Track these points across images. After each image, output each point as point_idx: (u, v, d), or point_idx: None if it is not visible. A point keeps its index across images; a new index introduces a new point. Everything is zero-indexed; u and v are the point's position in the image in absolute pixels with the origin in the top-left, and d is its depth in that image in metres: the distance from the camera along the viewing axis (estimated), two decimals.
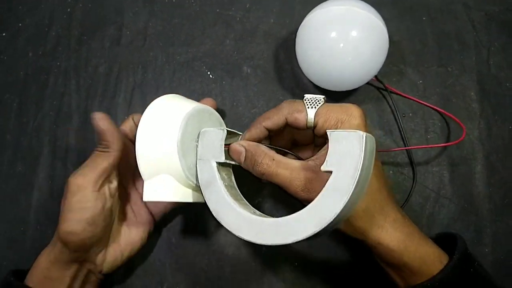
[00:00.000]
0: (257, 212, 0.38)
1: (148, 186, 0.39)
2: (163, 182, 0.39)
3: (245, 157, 0.38)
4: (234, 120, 0.49)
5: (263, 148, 0.38)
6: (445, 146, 0.48)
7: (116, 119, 0.50)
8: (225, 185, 0.38)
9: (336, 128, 0.36)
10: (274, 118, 0.38)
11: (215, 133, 0.39)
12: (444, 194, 0.47)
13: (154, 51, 0.52)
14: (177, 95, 0.43)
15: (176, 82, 0.51)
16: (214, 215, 0.37)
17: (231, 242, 0.47)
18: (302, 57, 0.45)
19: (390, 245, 0.35)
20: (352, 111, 0.36)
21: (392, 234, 0.35)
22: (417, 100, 0.48)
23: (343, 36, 0.42)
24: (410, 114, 0.49)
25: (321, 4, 0.44)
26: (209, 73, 0.51)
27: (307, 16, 0.45)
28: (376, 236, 0.35)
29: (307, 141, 0.42)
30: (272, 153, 0.37)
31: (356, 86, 0.46)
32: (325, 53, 0.42)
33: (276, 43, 0.51)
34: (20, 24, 0.54)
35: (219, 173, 0.38)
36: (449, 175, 0.47)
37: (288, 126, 0.39)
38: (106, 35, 0.52)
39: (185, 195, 0.40)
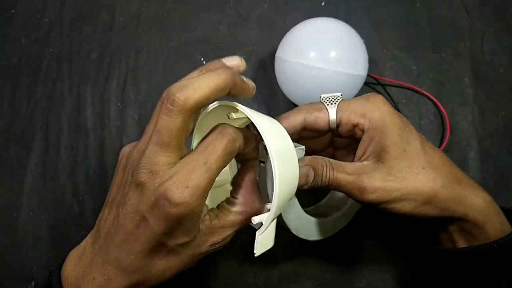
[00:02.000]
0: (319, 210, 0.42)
1: (261, 237, 0.31)
2: (272, 228, 0.32)
3: (314, 174, 0.34)
4: None
5: (318, 156, 0.35)
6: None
7: (109, 104, 0.50)
8: None
9: (364, 121, 0.35)
10: (291, 118, 0.36)
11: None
12: None
13: (147, 36, 0.51)
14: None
15: (169, 68, 0.51)
16: (295, 233, 0.39)
17: None
18: (282, 81, 0.45)
19: (476, 214, 0.34)
20: (375, 99, 0.35)
21: (475, 202, 0.34)
22: (408, 85, 0.48)
23: (323, 56, 0.41)
24: (404, 101, 0.49)
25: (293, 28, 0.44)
26: (202, 58, 0.51)
27: (284, 39, 0.45)
28: (462, 207, 0.34)
29: (322, 148, 0.41)
30: (327, 159, 0.35)
31: None
32: (305, 77, 0.42)
33: (269, 28, 0.51)
34: (13, 11, 0.53)
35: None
36: None
37: (305, 132, 0.37)
38: (98, 20, 0.52)
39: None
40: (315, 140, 0.40)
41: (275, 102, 0.49)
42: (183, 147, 0.29)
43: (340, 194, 0.43)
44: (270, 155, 0.28)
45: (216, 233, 0.31)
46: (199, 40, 0.51)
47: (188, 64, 0.50)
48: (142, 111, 0.50)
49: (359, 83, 0.43)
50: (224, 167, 0.29)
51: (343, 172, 0.34)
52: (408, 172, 0.33)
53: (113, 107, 0.50)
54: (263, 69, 0.50)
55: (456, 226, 0.36)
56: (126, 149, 0.32)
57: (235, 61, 0.32)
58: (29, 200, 0.48)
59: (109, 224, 0.30)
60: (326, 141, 0.41)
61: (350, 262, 0.46)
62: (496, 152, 0.47)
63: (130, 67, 0.51)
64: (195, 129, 0.33)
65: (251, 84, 0.32)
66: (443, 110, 0.47)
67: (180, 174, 0.27)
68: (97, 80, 0.51)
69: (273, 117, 0.35)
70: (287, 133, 0.32)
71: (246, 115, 0.30)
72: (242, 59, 0.32)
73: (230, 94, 0.30)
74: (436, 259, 0.38)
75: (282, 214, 0.37)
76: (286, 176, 0.30)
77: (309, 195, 0.45)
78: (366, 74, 0.43)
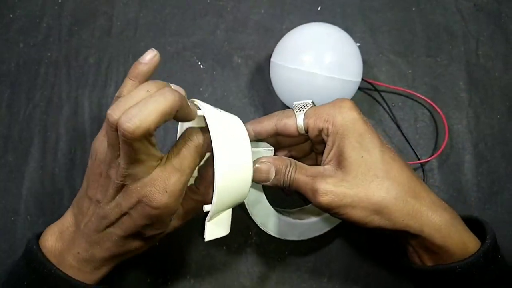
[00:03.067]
0: (292, 214, 0.44)
1: (210, 225, 0.34)
2: (225, 217, 0.35)
3: (275, 172, 0.36)
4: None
5: (284, 157, 0.37)
6: (426, 161, 0.48)
7: (107, 109, 0.50)
8: None
9: (327, 125, 0.35)
10: (264, 123, 0.38)
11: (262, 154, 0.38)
12: (433, 182, 0.47)
13: (145, 41, 0.52)
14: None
15: (167, 73, 0.51)
16: (262, 228, 0.41)
17: None
18: (277, 86, 0.45)
19: (431, 232, 0.34)
20: (341, 104, 0.36)
21: (433, 218, 0.34)
22: (403, 89, 0.48)
23: (318, 61, 0.41)
24: (400, 104, 0.49)
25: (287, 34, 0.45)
26: (199, 63, 0.51)
27: (277, 45, 0.45)
28: (417, 222, 0.34)
29: (305, 153, 0.42)
30: (293, 161, 0.37)
31: None
32: (299, 82, 0.42)
33: (266, 33, 0.51)
34: (11, 15, 0.54)
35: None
36: (437, 163, 0.48)
37: (277, 136, 0.39)
38: (96, 25, 0.52)
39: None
40: (297, 147, 0.41)
41: (272, 106, 0.50)
42: (154, 151, 0.32)
43: None
44: (213, 148, 0.31)
45: (179, 218, 0.36)
46: (196, 45, 0.51)
47: (186, 69, 0.51)
48: None
49: (352, 89, 0.43)
50: (196, 166, 0.34)
51: (304, 174, 0.35)
52: (362, 180, 0.34)
53: None
54: (260, 73, 0.50)
55: (419, 244, 0.36)
56: (97, 144, 0.35)
57: (149, 55, 0.34)
58: (27, 204, 0.49)
59: (90, 213, 0.34)
60: (307, 148, 0.42)
61: (346, 263, 0.46)
62: (491, 156, 0.48)
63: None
64: (179, 126, 0.39)
65: (193, 108, 0.33)
66: (440, 113, 0.47)
67: (159, 180, 0.31)
68: (95, 85, 0.51)
69: (248, 119, 0.39)
70: (245, 131, 0.34)
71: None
72: (154, 50, 0.34)
73: (175, 118, 0.31)
74: (409, 273, 0.39)
75: (248, 208, 0.40)
76: (230, 169, 0.32)
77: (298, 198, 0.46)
78: (360, 80, 0.44)
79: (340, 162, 0.35)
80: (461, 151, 0.48)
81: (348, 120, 0.35)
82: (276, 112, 0.38)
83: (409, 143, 0.47)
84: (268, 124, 0.38)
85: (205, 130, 0.34)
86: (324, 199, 0.34)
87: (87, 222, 0.35)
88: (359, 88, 0.45)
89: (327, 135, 0.36)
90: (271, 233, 0.42)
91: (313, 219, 0.44)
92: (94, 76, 0.51)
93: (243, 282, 0.46)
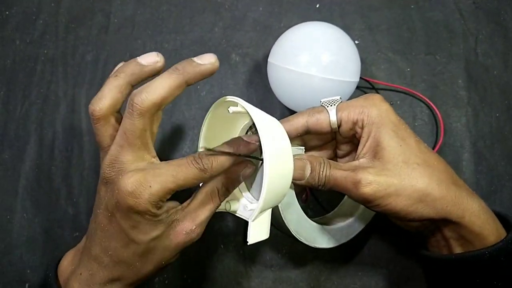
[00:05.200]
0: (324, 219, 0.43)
1: (255, 226, 0.32)
2: (266, 219, 0.34)
3: (310, 169, 0.35)
4: None
5: (317, 155, 0.37)
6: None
7: None
8: None
9: (362, 117, 0.35)
10: (294, 121, 0.37)
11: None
12: None
13: (142, 38, 0.51)
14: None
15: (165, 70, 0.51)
16: (294, 234, 0.39)
17: None
18: (275, 86, 0.45)
19: (472, 218, 0.33)
20: (373, 97, 0.36)
21: (472, 205, 0.34)
22: (401, 87, 0.48)
23: (315, 60, 0.41)
24: (398, 102, 0.49)
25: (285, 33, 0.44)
26: None
27: (275, 45, 0.45)
28: (459, 209, 0.33)
29: (323, 141, 0.41)
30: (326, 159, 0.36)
31: None
32: (296, 83, 0.42)
33: (264, 30, 0.51)
34: (7, 12, 0.53)
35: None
36: None
37: (305, 137, 0.38)
38: (93, 23, 0.52)
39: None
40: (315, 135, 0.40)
41: (270, 104, 0.49)
42: (149, 147, 0.31)
43: (347, 207, 0.44)
44: (262, 146, 0.29)
45: (189, 219, 0.33)
46: (194, 42, 0.51)
47: None
48: None
49: (350, 89, 0.43)
50: (188, 187, 0.31)
51: (340, 169, 0.35)
52: (403, 168, 0.34)
53: None
54: (258, 71, 0.50)
55: (453, 233, 0.35)
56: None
57: (151, 58, 0.33)
58: (24, 202, 0.48)
59: (92, 224, 0.33)
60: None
61: (344, 264, 0.46)
62: (490, 154, 0.47)
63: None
64: (203, 126, 0.36)
65: (207, 60, 0.32)
66: (437, 111, 0.47)
67: (146, 173, 0.29)
68: (92, 83, 0.51)
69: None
70: (284, 130, 0.33)
71: (245, 109, 0.32)
72: (159, 54, 0.33)
73: (190, 84, 0.32)
74: (429, 265, 0.38)
75: (282, 214, 0.38)
76: (278, 168, 0.31)
77: (316, 206, 0.46)
78: (357, 80, 0.43)
79: (378, 153, 0.35)
80: (460, 149, 0.48)
81: (382, 111, 0.35)
82: (306, 110, 0.37)
83: None
84: (298, 121, 0.37)
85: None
86: (368, 189, 0.33)
87: (89, 234, 0.34)
88: (357, 87, 0.45)
89: (362, 128, 0.36)
90: (303, 240, 0.40)
91: (338, 225, 0.42)
92: (91, 74, 0.51)
93: (240, 281, 0.46)
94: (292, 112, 0.48)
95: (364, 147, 0.36)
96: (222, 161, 0.31)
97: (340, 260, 0.46)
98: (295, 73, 0.41)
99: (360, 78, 0.44)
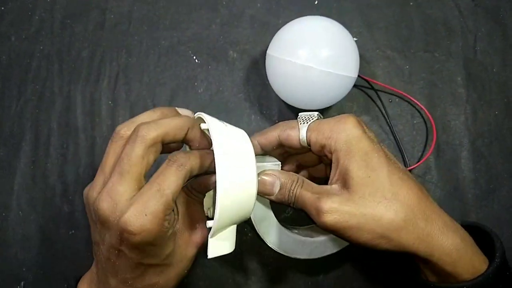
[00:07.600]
0: (301, 231, 0.43)
1: (214, 242, 0.33)
2: (230, 234, 0.34)
3: (280, 185, 0.35)
4: (219, 105, 0.49)
5: (292, 173, 0.36)
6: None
7: (100, 103, 0.50)
8: None
9: (330, 142, 0.34)
10: (268, 134, 0.37)
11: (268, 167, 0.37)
12: (430, 179, 0.47)
13: (139, 35, 0.51)
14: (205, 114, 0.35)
15: (161, 67, 0.50)
16: (270, 245, 0.40)
17: None
18: (273, 79, 0.45)
19: (442, 257, 0.32)
20: (345, 120, 0.34)
21: (444, 242, 0.32)
22: (399, 91, 0.48)
23: (313, 56, 0.41)
24: (397, 100, 0.49)
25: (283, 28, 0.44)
26: (194, 57, 0.50)
27: (272, 40, 0.44)
28: (427, 247, 0.32)
29: (313, 163, 0.41)
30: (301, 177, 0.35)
31: (330, 104, 0.44)
32: (295, 76, 0.41)
33: (262, 27, 0.51)
34: (2, 8, 0.53)
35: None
36: (434, 160, 0.47)
37: (282, 147, 0.38)
38: (89, 19, 0.52)
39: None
40: (306, 155, 0.40)
41: (267, 101, 0.49)
42: (141, 178, 0.31)
43: None
44: (215, 162, 0.30)
45: (198, 231, 0.35)
46: (191, 39, 0.51)
47: (180, 63, 0.50)
48: (134, 110, 0.49)
49: (349, 84, 0.43)
50: (180, 189, 0.32)
51: (310, 190, 0.34)
52: (369, 201, 0.32)
53: (104, 106, 0.49)
54: (256, 68, 0.50)
55: (427, 266, 0.34)
56: (86, 190, 0.34)
57: (186, 112, 0.36)
58: (19, 200, 0.48)
59: (101, 259, 0.33)
60: (315, 157, 0.40)
61: (342, 260, 0.46)
62: (488, 152, 0.47)
63: (121, 66, 0.50)
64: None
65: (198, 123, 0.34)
66: (430, 118, 0.46)
67: (137, 204, 0.30)
68: (88, 79, 0.50)
69: (254, 132, 0.38)
70: (250, 145, 0.34)
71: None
72: (193, 114, 0.36)
73: (184, 140, 0.34)
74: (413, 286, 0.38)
75: (256, 227, 0.39)
76: (233, 184, 0.31)
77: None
78: (356, 75, 0.43)
79: (346, 182, 0.33)
80: (458, 147, 0.47)
81: (352, 138, 0.33)
82: (281, 123, 0.37)
83: (398, 147, 0.47)
84: (272, 135, 0.37)
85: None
86: (329, 219, 0.31)
87: (102, 269, 0.33)
88: (355, 85, 0.45)
89: (331, 152, 0.34)
90: (280, 251, 0.40)
91: (323, 237, 0.41)
92: (87, 70, 0.50)
93: (238, 279, 0.46)
94: (290, 108, 0.48)
95: (336, 174, 0.34)
96: (196, 153, 0.33)
97: (338, 258, 0.46)
98: (294, 65, 0.41)
99: (358, 76, 0.43)
